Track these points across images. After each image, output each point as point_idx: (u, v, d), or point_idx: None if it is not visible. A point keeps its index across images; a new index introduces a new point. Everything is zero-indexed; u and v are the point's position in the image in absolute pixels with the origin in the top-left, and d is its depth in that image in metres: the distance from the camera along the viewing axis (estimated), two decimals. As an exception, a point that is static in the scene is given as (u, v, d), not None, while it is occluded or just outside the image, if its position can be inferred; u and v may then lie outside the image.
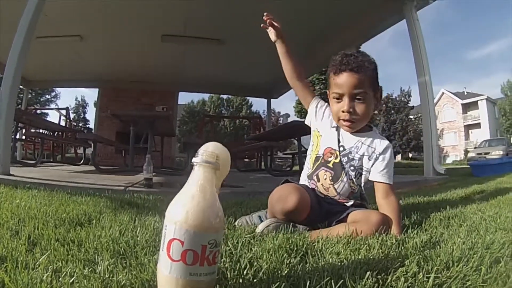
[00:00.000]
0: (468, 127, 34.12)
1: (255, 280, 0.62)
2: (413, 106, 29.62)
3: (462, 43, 67.34)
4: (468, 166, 5.15)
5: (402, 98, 29.76)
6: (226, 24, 5.35)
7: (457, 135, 34.58)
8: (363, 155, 1.23)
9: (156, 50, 6.54)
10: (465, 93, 35.61)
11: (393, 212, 1.12)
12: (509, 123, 29.85)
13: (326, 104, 1.32)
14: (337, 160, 1.24)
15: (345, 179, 1.22)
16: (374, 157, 1.22)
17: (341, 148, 1.25)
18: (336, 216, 1.18)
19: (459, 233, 1.01)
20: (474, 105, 33.95)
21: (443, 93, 35.42)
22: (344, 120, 1.20)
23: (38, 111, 13.96)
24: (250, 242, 0.93)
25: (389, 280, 0.64)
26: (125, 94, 8.89)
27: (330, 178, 1.24)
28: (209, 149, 0.53)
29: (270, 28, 1.33)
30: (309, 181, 1.29)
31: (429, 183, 3.60)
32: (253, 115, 26.43)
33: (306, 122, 1.40)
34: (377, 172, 1.20)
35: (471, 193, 2.20)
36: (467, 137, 33.89)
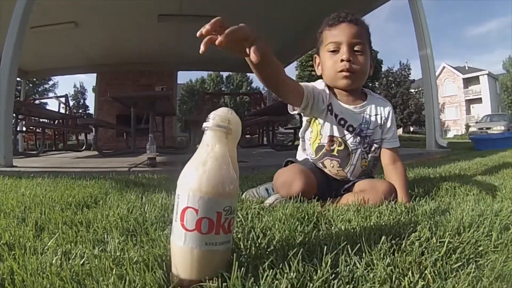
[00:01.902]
0: (469, 102, 33.85)
1: (269, 249, 0.61)
2: (414, 80, 29.50)
3: (461, 20, 66.09)
4: (470, 140, 5.14)
5: (402, 72, 29.54)
6: (222, 0, 5.22)
7: (458, 109, 34.34)
8: (375, 126, 1.18)
9: (153, 30, 6.40)
10: (467, 68, 35.17)
11: (400, 178, 1.12)
12: (511, 99, 29.71)
13: (311, 85, 1.15)
14: (342, 148, 1.16)
15: (354, 161, 1.17)
16: (383, 122, 1.19)
17: (350, 129, 1.15)
18: (343, 186, 1.18)
19: (467, 201, 1.00)
20: (475, 80, 33.57)
21: (444, 67, 34.93)
22: (343, 71, 1.09)
23: (37, 101, 13.79)
24: (259, 213, 0.93)
25: (403, 245, 0.63)
26: (124, 76, 8.80)
27: (338, 165, 1.17)
28: (219, 113, 0.50)
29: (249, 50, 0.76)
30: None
31: (432, 155, 3.61)
32: (253, 91, 26.23)
33: (305, 115, 1.20)
34: (386, 140, 1.18)
35: (474, 165, 2.21)
36: (468, 111, 33.69)
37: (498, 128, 13.40)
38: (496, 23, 61.10)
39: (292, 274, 0.49)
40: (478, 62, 62.03)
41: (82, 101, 31.73)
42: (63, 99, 9.08)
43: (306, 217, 0.84)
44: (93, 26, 6.12)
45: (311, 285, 0.47)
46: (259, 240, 0.65)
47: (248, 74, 28.50)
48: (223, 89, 31.03)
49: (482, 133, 13.36)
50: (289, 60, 9.27)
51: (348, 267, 0.54)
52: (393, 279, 0.51)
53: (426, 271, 0.52)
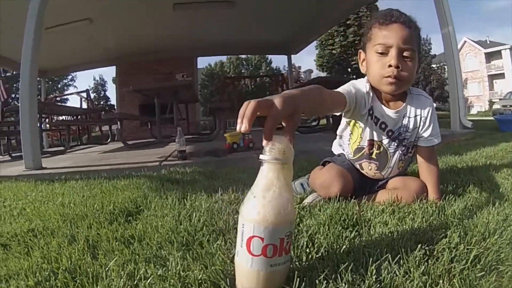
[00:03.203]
0: (491, 77, 32.64)
1: (319, 258, 0.70)
2: (435, 55, 28.54)
3: None
4: (494, 119, 5.00)
5: (423, 47, 28.49)
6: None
7: (481, 85, 33.20)
8: (414, 127, 1.17)
9: (169, 19, 6.52)
10: (488, 42, 33.80)
11: (433, 177, 1.15)
12: None
13: (354, 89, 1.11)
14: (381, 150, 1.18)
15: (392, 164, 1.19)
16: (422, 123, 1.17)
17: (389, 133, 1.16)
18: (377, 183, 1.24)
19: (492, 202, 1.05)
20: (497, 55, 32.28)
21: (465, 41, 33.66)
22: (389, 76, 1.06)
23: (58, 99, 14.12)
24: (300, 212, 1.01)
25: (435, 252, 0.72)
26: (143, 66, 8.96)
27: (376, 168, 1.21)
28: (276, 146, 0.56)
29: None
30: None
31: (457, 137, 3.59)
32: (273, 72, 26.18)
33: (345, 117, 1.19)
34: (424, 139, 1.18)
35: (499, 152, 2.24)
36: (491, 87, 32.50)
37: None
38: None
39: (344, 285, 0.58)
40: (499, 35, 58.89)
41: (102, 93, 32.25)
42: (84, 94, 9.33)
43: (347, 220, 0.92)
44: (108, 21, 6.23)
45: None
46: (308, 249, 0.74)
47: (267, 56, 28.34)
48: (242, 71, 30.80)
49: (506, 110, 12.83)
50: (309, 39, 9.27)
51: (389, 274, 0.63)
52: (427, 286, 0.59)
53: (454, 280, 0.61)
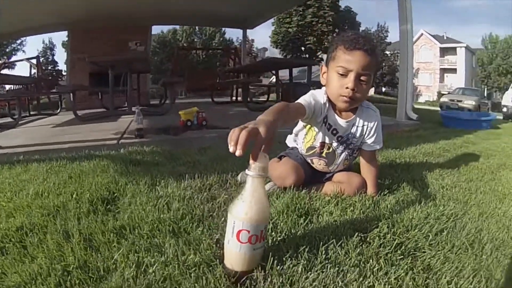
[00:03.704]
0: (443, 71, 34.74)
1: (282, 241, 0.92)
2: (390, 42, 29.44)
3: None
4: (439, 111, 5.36)
5: (379, 33, 29.65)
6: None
7: (432, 76, 35.28)
8: (360, 135, 1.36)
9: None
10: (445, 38, 35.69)
11: (373, 176, 1.39)
12: (485, 74, 31.14)
13: (314, 101, 1.27)
14: (330, 150, 1.38)
15: (338, 162, 1.40)
16: (367, 132, 1.37)
17: (339, 138, 1.36)
18: (325, 175, 1.47)
19: (419, 200, 1.31)
20: (452, 51, 34.29)
21: (422, 34, 35.35)
22: (345, 96, 1.22)
23: (6, 70, 12.84)
24: None
25: (368, 239, 0.97)
26: (97, 32, 8.43)
27: (324, 164, 1.41)
28: (259, 165, 0.74)
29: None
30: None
31: (401, 128, 3.85)
32: (227, 45, 26.45)
33: (302, 122, 1.35)
34: (367, 145, 1.38)
35: (437, 150, 2.49)
36: (442, 80, 34.68)
37: (469, 102, 13.48)
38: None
39: (303, 261, 0.82)
40: (456, 32, 63.15)
41: (51, 57, 29.86)
42: (34, 61, 8.69)
43: (300, 209, 1.14)
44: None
45: (315, 268, 0.80)
46: (274, 233, 0.96)
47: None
48: (195, 40, 30.43)
49: (452, 104, 13.50)
50: (267, 16, 9.53)
51: (334, 254, 0.87)
52: (361, 263, 0.84)
53: (380, 260, 0.85)
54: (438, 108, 12.48)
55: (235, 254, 0.76)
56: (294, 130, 1.50)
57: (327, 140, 1.36)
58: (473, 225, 1.10)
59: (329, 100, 1.31)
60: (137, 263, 0.80)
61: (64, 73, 9.92)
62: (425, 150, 2.47)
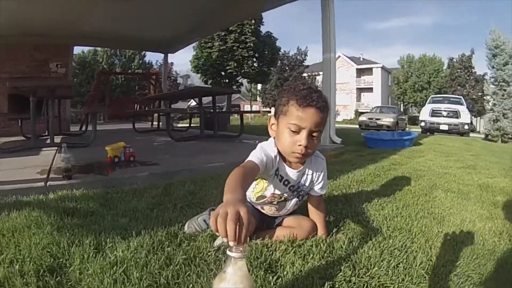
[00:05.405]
0: (360, 90, 38.22)
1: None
2: (308, 65, 31.54)
3: (364, 15, 72.57)
4: (362, 134, 5.64)
5: (298, 57, 31.44)
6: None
7: (349, 96, 38.33)
8: (310, 182, 1.41)
9: (49, 2, 5.90)
10: (361, 59, 39.51)
11: (321, 218, 1.45)
12: (401, 91, 35.18)
13: (265, 157, 1.24)
14: (282, 199, 1.40)
15: (289, 207, 1.44)
16: (316, 179, 1.41)
17: (291, 188, 1.38)
18: (274, 220, 1.50)
19: (371, 235, 1.41)
20: (368, 71, 38.00)
21: (339, 56, 38.01)
22: (297, 153, 1.23)
23: None
24: (218, 256, 1.19)
25: (337, 285, 1.02)
26: (17, 50, 7.77)
27: (275, 209, 1.44)
28: (241, 247, 0.72)
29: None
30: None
31: (327, 152, 3.95)
32: (147, 69, 27.31)
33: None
34: (315, 191, 1.43)
35: (369, 177, 2.63)
36: (358, 98, 38.02)
37: (387, 120, 14.35)
38: (397, 21, 69.12)
39: None
40: (374, 54, 70.47)
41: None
42: None
43: (261, 261, 1.14)
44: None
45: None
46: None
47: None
48: (115, 62, 30.40)
49: (371, 123, 14.37)
50: (189, 41, 9.90)
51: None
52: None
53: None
54: (357, 126, 13.45)
55: None
56: None
57: (277, 192, 1.37)
58: (423, 254, 1.22)
59: (279, 153, 1.31)
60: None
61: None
62: (357, 177, 2.59)
